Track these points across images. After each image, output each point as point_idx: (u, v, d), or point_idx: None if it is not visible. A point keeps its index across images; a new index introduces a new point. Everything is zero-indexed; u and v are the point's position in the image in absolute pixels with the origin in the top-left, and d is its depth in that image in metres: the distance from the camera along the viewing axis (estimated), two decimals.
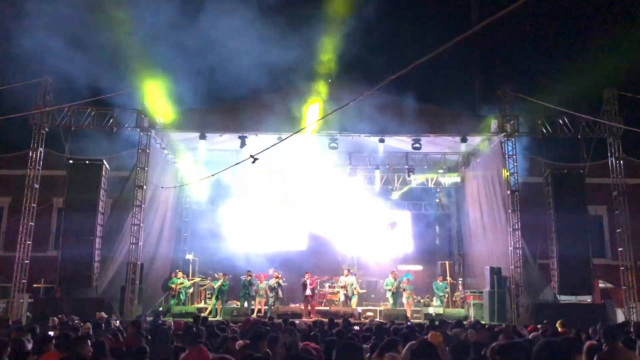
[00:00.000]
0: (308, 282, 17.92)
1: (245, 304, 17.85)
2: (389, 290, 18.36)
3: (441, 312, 17.67)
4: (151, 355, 6.38)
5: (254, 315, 16.64)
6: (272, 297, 17.84)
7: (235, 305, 18.72)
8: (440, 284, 19.18)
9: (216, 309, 17.54)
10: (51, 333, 8.57)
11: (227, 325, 10.36)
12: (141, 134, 17.00)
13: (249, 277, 17.89)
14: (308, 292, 17.80)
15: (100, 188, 16.32)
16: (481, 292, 17.56)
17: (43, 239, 20.75)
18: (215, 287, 17.72)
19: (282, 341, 6.55)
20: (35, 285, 16.88)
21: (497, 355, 3.33)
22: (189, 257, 20.67)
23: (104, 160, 16.85)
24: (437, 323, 10.13)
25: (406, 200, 23.37)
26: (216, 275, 18.26)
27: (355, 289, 18.75)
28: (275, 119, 16.56)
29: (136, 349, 6.43)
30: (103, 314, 13.50)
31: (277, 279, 17.98)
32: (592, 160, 17.52)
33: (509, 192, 16.76)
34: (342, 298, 19.09)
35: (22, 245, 16.57)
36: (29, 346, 6.68)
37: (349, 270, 19.31)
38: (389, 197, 22.55)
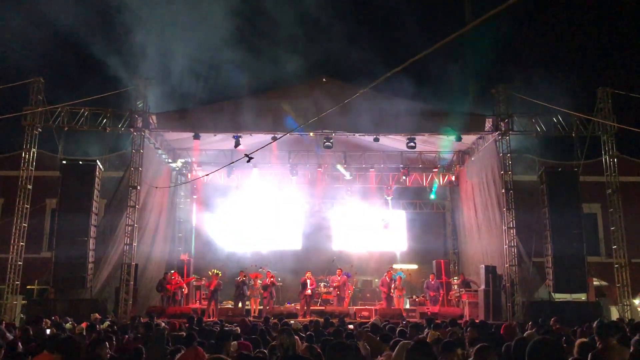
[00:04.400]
0: (309, 281, 17.86)
1: (240, 305, 17.77)
2: (384, 290, 18.33)
3: (436, 311, 17.66)
4: (147, 356, 6.35)
5: (251, 317, 16.57)
6: (265, 297, 17.71)
7: (230, 306, 18.65)
8: (432, 282, 19.17)
9: (212, 309, 17.46)
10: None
11: (222, 325, 10.33)
12: (135, 134, 16.92)
13: (243, 278, 17.83)
14: (308, 291, 17.74)
15: (93, 189, 16.21)
16: (476, 291, 17.58)
17: (36, 240, 20.61)
18: (210, 288, 17.61)
19: (279, 342, 6.52)
20: (28, 287, 16.77)
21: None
22: (184, 257, 20.60)
23: (98, 161, 16.77)
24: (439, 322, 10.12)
25: (401, 199, 23.38)
26: (210, 273, 18.16)
27: (349, 288, 18.72)
28: (270, 118, 16.54)
29: (133, 349, 6.40)
30: (97, 315, 13.44)
31: (271, 279, 17.91)
32: (586, 159, 17.57)
33: (503, 190, 16.79)
34: (335, 300, 19.03)
35: (15, 247, 16.45)
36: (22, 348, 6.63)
37: (341, 270, 19.26)
38: (383, 197, 22.53)
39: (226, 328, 9.22)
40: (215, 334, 7.53)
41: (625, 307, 16.75)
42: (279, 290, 19.59)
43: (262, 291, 17.83)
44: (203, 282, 19.15)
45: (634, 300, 16.97)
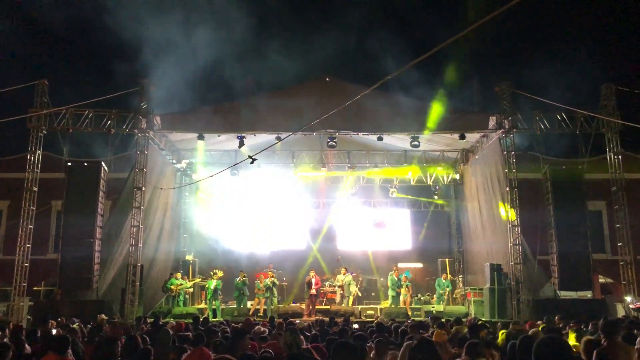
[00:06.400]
0: (313, 280, 17.88)
1: (241, 305, 17.79)
2: (393, 289, 18.29)
3: (442, 309, 17.68)
4: (154, 356, 6.37)
5: (256, 316, 16.60)
6: (267, 296, 17.75)
7: (235, 306, 18.68)
8: (444, 281, 19.20)
9: (214, 309, 17.46)
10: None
11: (227, 325, 10.36)
12: (139, 135, 16.97)
13: (243, 278, 17.86)
14: (313, 291, 17.75)
15: (99, 190, 16.29)
16: (481, 289, 17.56)
17: (42, 242, 20.73)
18: (211, 287, 17.62)
19: (284, 340, 6.55)
20: (35, 288, 16.86)
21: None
22: (189, 258, 20.65)
23: (102, 162, 16.84)
24: (443, 320, 10.11)
25: (405, 197, 23.36)
26: (211, 273, 18.20)
27: (352, 287, 18.71)
28: (273, 118, 16.56)
29: (141, 350, 6.42)
30: (104, 315, 13.50)
31: (271, 278, 17.91)
32: (591, 156, 17.51)
33: (507, 188, 16.76)
34: (339, 298, 19.07)
35: (22, 249, 16.53)
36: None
37: (346, 269, 19.28)
38: (387, 195, 22.52)
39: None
40: (220, 334, 7.56)
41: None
42: (283, 290, 19.64)
43: (271, 287, 17.78)
44: (206, 285, 19.16)
45: (626, 297, 16.85)
